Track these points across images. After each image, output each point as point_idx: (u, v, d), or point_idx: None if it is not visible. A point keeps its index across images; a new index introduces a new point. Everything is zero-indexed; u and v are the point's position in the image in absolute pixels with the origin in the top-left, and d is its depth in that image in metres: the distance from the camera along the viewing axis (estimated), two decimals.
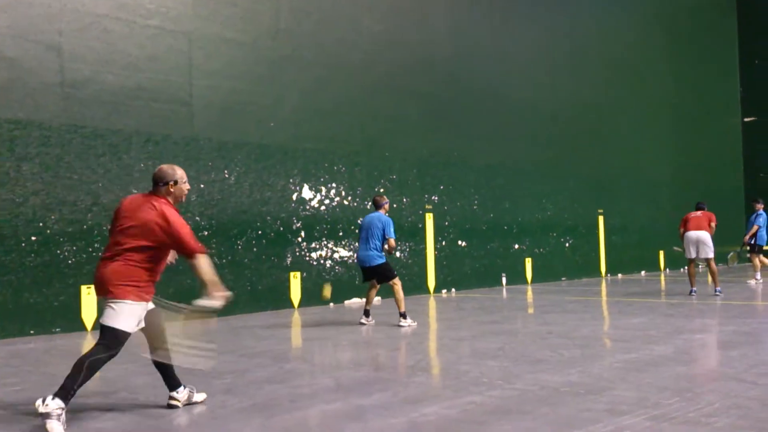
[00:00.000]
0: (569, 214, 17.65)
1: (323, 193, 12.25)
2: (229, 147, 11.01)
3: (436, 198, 14.32)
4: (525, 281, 16.20)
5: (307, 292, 11.76)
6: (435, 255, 14.16)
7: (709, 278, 12.71)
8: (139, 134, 9.97)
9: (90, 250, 9.30)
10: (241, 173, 11.11)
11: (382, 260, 9.03)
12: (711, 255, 12.06)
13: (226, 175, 10.92)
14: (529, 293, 13.87)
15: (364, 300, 9.97)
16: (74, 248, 9.19)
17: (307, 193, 11.99)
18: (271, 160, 11.52)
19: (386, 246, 8.97)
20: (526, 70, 16.76)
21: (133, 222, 4.39)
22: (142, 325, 4.49)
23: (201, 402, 4.83)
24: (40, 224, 8.94)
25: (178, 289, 9.01)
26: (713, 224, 12.25)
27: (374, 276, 9.11)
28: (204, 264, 4.36)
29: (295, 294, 11.66)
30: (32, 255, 8.84)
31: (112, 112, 9.72)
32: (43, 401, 4.05)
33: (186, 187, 4.65)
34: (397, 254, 13.15)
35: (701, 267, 13.16)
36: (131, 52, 9.98)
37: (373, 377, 5.70)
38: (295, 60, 12.01)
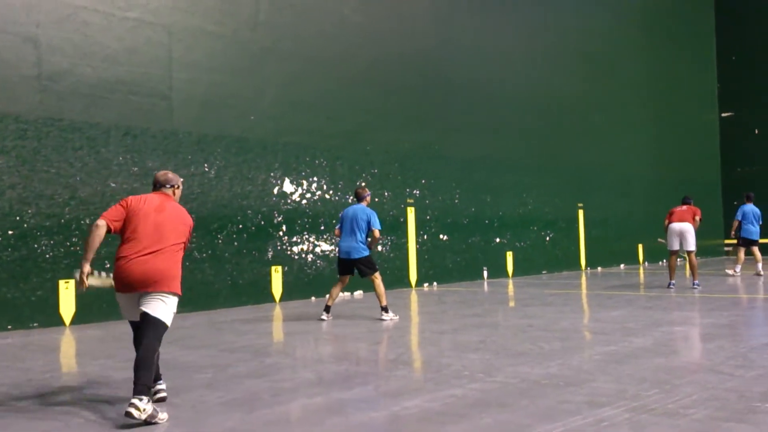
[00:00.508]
0: (549, 208, 17.75)
1: (304, 186, 12.21)
2: (209, 140, 10.93)
3: (418, 192, 14.33)
4: (506, 275, 16.28)
5: (289, 286, 11.73)
6: (417, 249, 14.18)
7: (688, 271, 12.85)
8: (117, 128, 9.86)
9: (68, 244, 9.19)
10: (221, 167, 11.04)
11: (367, 253, 8.95)
12: (693, 248, 12.23)
13: (206, 169, 10.84)
14: (510, 287, 13.94)
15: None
16: (51, 242, 9.08)
17: (288, 186, 11.94)
18: (251, 153, 11.46)
19: (371, 238, 8.94)
20: (506, 64, 16.82)
21: (175, 222, 4.65)
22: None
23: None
24: (17, 218, 8.82)
25: None
26: (698, 218, 12.42)
27: (354, 269, 9.01)
28: None
29: (277, 288, 11.62)
30: (9, 249, 8.73)
31: (90, 105, 9.61)
32: (136, 408, 4.03)
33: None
34: (379, 248, 13.14)
35: (679, 261, 13.27)
36: (110, 45, 9.86)
37: (355, 371, 5.70)
38: (275, 52, 11.94)
